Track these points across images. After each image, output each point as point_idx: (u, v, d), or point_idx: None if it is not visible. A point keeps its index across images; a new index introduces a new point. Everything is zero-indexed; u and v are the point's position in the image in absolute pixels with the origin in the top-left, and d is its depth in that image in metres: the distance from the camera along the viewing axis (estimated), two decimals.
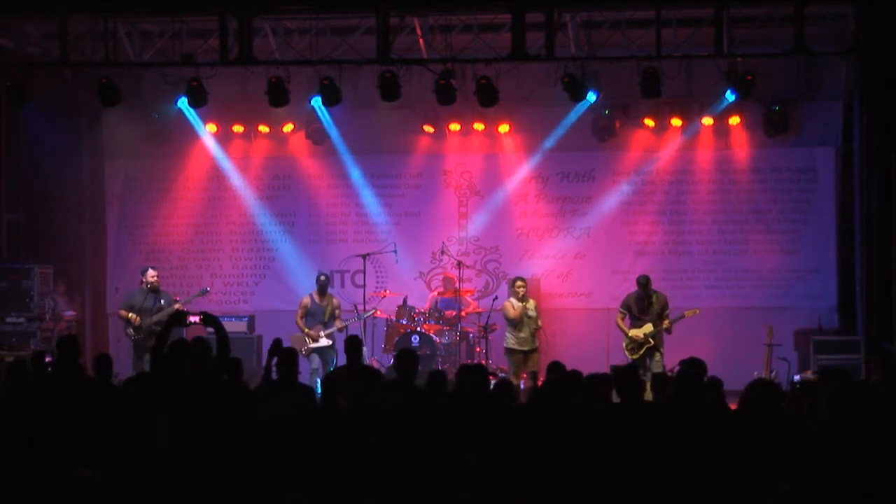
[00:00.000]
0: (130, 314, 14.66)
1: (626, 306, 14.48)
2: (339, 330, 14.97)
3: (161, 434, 7.57)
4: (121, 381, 11.30)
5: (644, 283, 14.40)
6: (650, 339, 14.21)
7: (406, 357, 9.44)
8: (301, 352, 14.29)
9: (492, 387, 9.04)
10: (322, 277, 15.25)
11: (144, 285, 14.89)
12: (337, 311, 15.13)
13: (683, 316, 14.51)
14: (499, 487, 7.38)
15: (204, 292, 15.74)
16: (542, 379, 12.16)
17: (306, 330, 14.91)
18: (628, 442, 7.75)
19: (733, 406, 8.27)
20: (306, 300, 15.14)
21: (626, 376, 8.49)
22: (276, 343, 9.51)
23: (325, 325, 14.95)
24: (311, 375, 14.50)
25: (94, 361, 9.00)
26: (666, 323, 14.24)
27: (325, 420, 8.08)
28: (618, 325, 14.45)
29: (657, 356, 14.18)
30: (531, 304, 14.68)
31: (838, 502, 6.95)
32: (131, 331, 14.67)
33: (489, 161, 17.36)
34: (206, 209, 17.68)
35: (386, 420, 8.07)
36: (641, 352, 14.18)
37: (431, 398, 8.73)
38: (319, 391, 11.77)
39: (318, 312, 15.00)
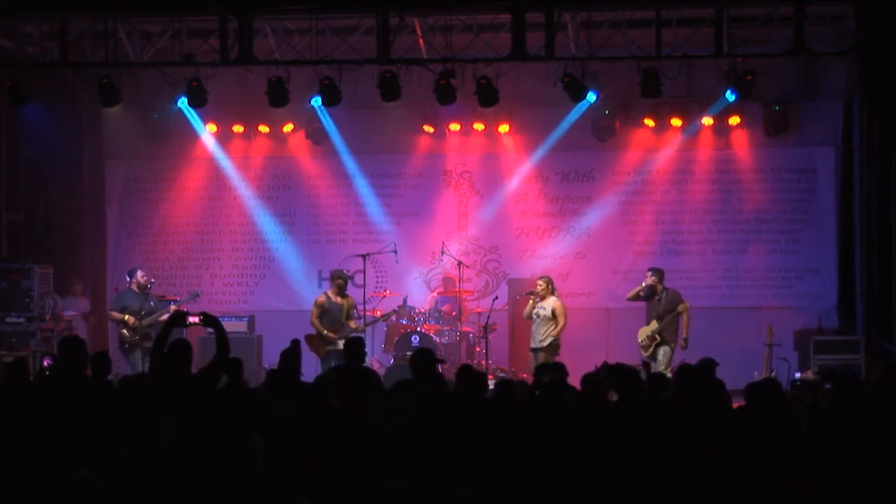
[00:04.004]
0: (126, 315, 14.59)
1: (635, 296, 14.73)
2: (358, 332, 14.34)
3: (161, 434, 7.57)
4: (119, 380, 11.33)
5: (649, 274, 14.63)
6: (657, 336, 14.31)
7: (421, 357, 9.42)
8: (319, 355, 14.18)
9: (492, 387, 9.05)
10: (346, 274, 14.68)
11: (134, 286, 14.82)
12: (352, 311, 14.43)
13: (679, 312, 14.49)
14: (500, 487, 7.37)
15: (195, 295, 15.52)
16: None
17: (325, 332, 14.15)
18: (627, 441, 7.75)
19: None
20: (322, 299, 14.38)
21: (622, 375, 8.49)
22: (295, 345, 9.60)
23: (342, 325, 14.26)
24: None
25: (91, 360, 8.97)
26: (684, 337, 14.42)
27: (325, 420, 8.07)
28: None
29: (661, 353, 14.24)
30: (548, 302, 14.54)
31: (840, 502, 6.95)
32: (125, 332, 14.58)
33: (489, 161, 17.36)
34: (206, 209, 17.68)
35: (388, 420, 8.07)
36: (651, 349, 14.32)
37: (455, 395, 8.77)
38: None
39: (335, 312, 14.25)
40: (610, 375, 8.83)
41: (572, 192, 17.22)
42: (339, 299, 14.33)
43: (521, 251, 17.32)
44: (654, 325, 14.41)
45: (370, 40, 14.51)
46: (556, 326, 14.36)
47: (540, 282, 14.70)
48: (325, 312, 14.24)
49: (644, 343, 14.44)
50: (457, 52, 14.69)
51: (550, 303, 14.50)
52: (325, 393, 8.66)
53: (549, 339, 14.34)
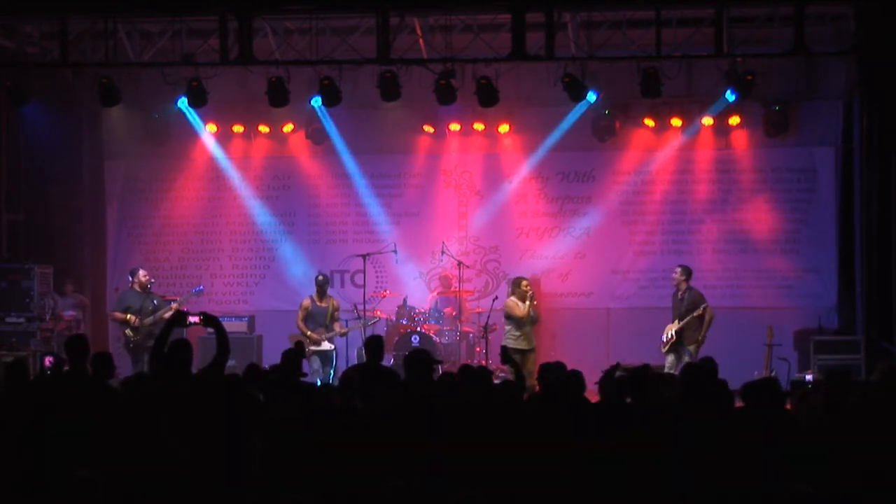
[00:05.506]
0: (128, 315, 14.57)
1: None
2: (342, 335, 14.84)
3: (162, 434, 7.56)
4: (120, 381, 11.34)
5: (678, 271, 14.70)
6: (674, 335, 14.35)
7: (416, 358, 9.34)
8: (304, 355, 14.27)
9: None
10: (321, 278, 15.00)
11: (136, 285, 14.81)
12: (336, 314, 14.85)
13: (693, 315, 14.54)
14: (503, 487, 7.37)
15: (198, 292, 15.65)
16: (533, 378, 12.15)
17: (308, 333, 14.57)
18: (627, 441, 7.75)
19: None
20: (307, 302, 14.83)
21: (639, 377, 8.48)
22: (299, 345, 9.58)
23: (327, 328, 14.66)
24: (311, 376, 14.38)
25: (93, 360, 8.97)
26: (697, 339, 14.38)
27: (339, 419, 8.06)
28: None
29: (686, 354, 14.27)
30: (532, 303, 14.67)
31: (840, 502, 6.95)
32: (129, 332, 14.56)
33: (489, 161, 17.37)
34: (206, 209, 17.69)
35: (400, 420, 8.06)
36: (667, 348, 14.36)
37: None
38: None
39: (319, 314, 14.70)
40: (629, 376, 8.81)
41: (572, 192, 17.22)
42: (322, 302, 14.75)
43: (521, 251, 17.32)
44: (675, 324, 14.45)
45: (370, 40, 14.51)
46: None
47: (526, 282, 14.66)
48: (310, 315, 14.71)
49: (665, 339, 14.51)
50: (457, 52, 14.69)
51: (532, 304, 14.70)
52: (347, 393, 8.65)
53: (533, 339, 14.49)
